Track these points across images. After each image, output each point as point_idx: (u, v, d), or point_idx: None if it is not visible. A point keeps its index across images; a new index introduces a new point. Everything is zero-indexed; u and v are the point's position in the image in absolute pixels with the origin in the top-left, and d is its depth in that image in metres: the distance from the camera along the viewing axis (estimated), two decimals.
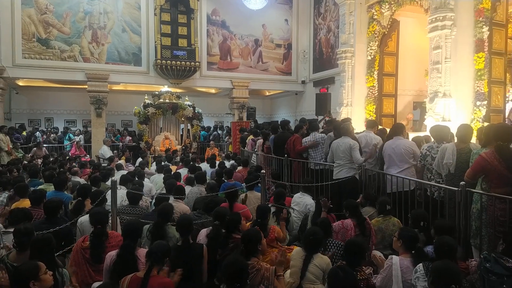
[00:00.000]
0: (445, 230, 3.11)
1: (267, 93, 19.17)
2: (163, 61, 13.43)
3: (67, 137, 14.96)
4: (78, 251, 3.31)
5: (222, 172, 6.49)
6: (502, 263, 2.64)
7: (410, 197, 4.46)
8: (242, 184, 5.76)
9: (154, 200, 5.12)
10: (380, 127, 8.44)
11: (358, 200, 4.62)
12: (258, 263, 2.92)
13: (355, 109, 9.65)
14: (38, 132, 14.53)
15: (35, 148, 12.04)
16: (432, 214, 4.12)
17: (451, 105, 6.73)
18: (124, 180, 5.62)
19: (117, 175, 6.45)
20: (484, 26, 6.67)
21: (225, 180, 6.17)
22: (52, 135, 14.88)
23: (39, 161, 10.39)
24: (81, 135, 14.79)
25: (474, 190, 3.62)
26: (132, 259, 2.99)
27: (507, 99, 7.38)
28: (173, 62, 13.51)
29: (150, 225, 3.67)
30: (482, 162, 3.50)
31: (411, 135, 6.49)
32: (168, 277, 2.87)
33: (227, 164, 8.52)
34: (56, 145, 14.39)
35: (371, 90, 9.58)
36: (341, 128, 5.67)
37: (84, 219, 4.00)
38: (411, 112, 9.74)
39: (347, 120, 6.90)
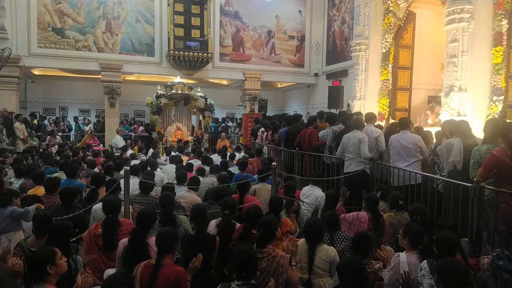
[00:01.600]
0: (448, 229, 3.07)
1: (279, 85, 19.08)
2: (176, 52, 13.45)
3: (76, 127, 15.16)
4: (91, 238, 3.38)
5: (227, 164, 6.59)
6: None
7: (416, 190, 4.47)
8: (254, 176, 5.79)
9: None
10: (392, 120, 8.39)
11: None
12: (274, 250, 2.94)
13: (368, 102, 9.53)
14: (46, 121, 14.74)
15: (49, 136, 12.26)
16: (437, 206, 4.16)
17: (467, 100, 6.61)
18: (133, 170, 5.66)
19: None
20: (503, 19, 6.50)
21: (230, 171, 6.22)
22: (61, 122, 15.04)
23: (54, 149, 10.58)
24: (90, 125, 14.97)
25: (488, 187, 3.58)
26: (142, 245, 3.04)
27: None
28: (186, 53, 13.52)
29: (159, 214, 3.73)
30: (494, 159, 3.44)
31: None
32: (186, 266, 2.91)
33: (238, 156, 8.55)
34: (66, 133, 14.59)
35: (385, 84, 9.44)
36: (352, 121, 5.63)
37: (98, 206, 4.08)
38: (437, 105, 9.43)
39: (358, 114, 6.85)
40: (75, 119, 15.74)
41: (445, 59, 6.98)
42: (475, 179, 3.62)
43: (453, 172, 4.27)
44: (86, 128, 14.23)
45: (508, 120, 5.91)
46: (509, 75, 6.59)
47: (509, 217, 3.36)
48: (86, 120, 15.87)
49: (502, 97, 6.50)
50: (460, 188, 3.85)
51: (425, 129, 6.33)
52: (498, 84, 6.53)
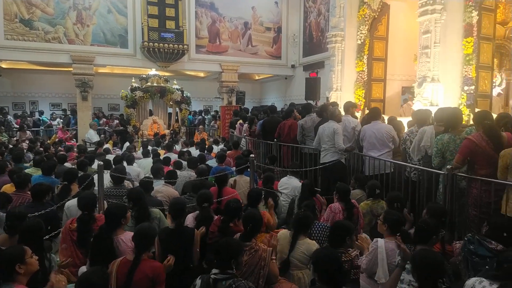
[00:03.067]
0: (438, 213, 3.17)
1: (257, 77, 19.04)
2: (150, 44, 13.17)
3: (41, 121, 14.70)
4: (67, 233, 3.32)
5: (204, 157, 6.49)
6: (486, 245, 2.70)
7: (389, 179, 4.62)
8: (232, 168, 5.76)
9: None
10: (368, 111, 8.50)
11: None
12: (256, 244, 2.94)
13: (344, 93, 9.62)
14: (10, 116, 14.18)
15: (19, 132, 11.84)
16: (411, 194, 4.33)
17: (439, 90, 6.76)
18: (107, 165, 5.53)
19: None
20: (473, 11, 6.64)
21: (208, 164, 6.17)
22: (28, 118, 14.54)
23: (24, 144, 10.22)
24: (58, 119, 14.51)
25: (460, 174, 3.68)
26: (107, 241, 2.98)
27: (494, 84, 7.45)
28: (161, 44, 13.26)
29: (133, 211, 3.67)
30: (470, 144, 3.55)
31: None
32: (164, 259, 2.88)
33: (216, 149, 8.49)
34: (36, 129, 14.13)
35: (360, 75, 9.55)
36: (327, 112, 5.67)
37: (71, 203, 3.97)
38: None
39: (335, 105, 6.90)
40: (40, 113, 15.20)
41: (418, 50, 7.10)
42: (448, 167, 3.71)
43: (425, 157, 4.43)
44: (54, 123, 13.75)
45: (477, 109, 6.08)
46: (479, 65, 6.76)
47: (480, 203, 3.47)
48: (54, 114, 15.35)
49: (472, 87, 6.68)
50: (433, 176, 3.95)
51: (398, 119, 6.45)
52: (469, 74, 6.69)
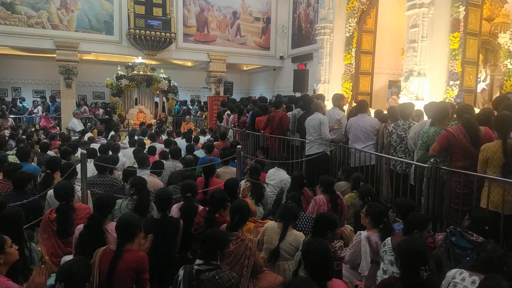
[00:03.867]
0: (406, 208, 3.25)
1: (245, 68, 18.92)
2: (137, 31, 12.89)
3: (22, 108, 14.37)
4: (47, 223, 3.27)
5: (193, 147, 6.43)
6: (467, 237, 2.76)
7: (372, 171, 4.73)
8: (219, 159, 5.74)
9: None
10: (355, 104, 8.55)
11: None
12: (243, 233, 2.94)
13: (332, 86, 9.66)
14: None
15: (1, 119, 11.55)
16: (395, 186, 4.42)
17: (425, 84, 6.83)
18: (91, 154, 5.45)
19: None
20: (460, 6, 6.71)
21: (195, 155, 6.12)
22: (3, 106, 14.19)
23: (6, 132, 9.99)
24: (39, 107, 14.21)
25: (443, 167, 3.73)
26: (99, 231, 2.94)
27: (479, 79, 7.56)
28: (147, 32, 12.99)
29: (127, 200, 3.63)
30: (449, 136, 3.63)
31: None
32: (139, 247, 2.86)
33: (202, 139, 8.44)
34: (15, 116, 13.80)
35: (348, 68, 9.59)
36: (313, 105, 5.68)
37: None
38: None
39: (320, 97, 6.92)
40: (22, 100, 14.83)
41: (406, 44, 7.14)
42: (431, 160, 3.76)
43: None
44: (34, 110, 13.43)
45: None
46: (465, 60, 6.85)
47: (461, 196, 3.53)
48: (36, 102, 15.00)
49: (458, 82, 6.77)
50: (417, 168, 4.01)
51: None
52: (455, 69, 6.78)
